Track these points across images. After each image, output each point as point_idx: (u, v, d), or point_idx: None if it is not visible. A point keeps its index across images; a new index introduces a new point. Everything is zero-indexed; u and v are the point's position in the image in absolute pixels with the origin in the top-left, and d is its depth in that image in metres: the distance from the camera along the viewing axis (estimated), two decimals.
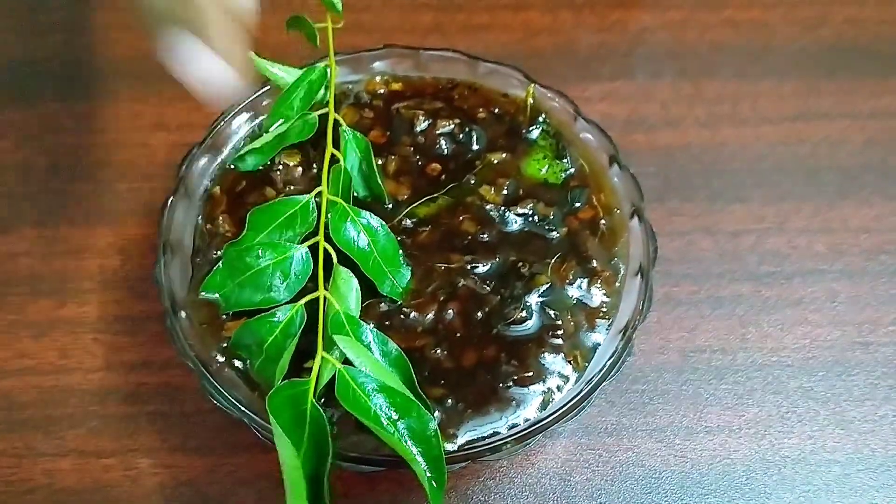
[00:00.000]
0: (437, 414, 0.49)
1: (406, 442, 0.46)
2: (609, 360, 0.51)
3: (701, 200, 0.66)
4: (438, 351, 0.51)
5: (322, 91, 0.58)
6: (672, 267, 0.63)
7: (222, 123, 0.59)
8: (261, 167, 0.57)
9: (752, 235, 0.65)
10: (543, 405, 0.50)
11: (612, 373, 0.50)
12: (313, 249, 0.52)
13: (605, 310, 0.53)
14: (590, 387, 0.50)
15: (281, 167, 0.57)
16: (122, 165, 0.67)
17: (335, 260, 0.51)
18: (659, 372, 0.58)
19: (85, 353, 0.58)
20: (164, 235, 0.54)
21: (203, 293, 0.52)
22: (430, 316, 0.52)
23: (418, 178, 0.57)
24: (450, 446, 0.49)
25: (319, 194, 0.53)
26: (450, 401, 0.50)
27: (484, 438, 0.49)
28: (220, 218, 0.56)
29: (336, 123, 0.57)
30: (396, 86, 0.62)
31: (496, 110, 0.60)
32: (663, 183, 0.67)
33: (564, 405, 0.49)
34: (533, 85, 0.60)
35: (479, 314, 0.52)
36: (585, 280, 0.54)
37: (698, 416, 0.57)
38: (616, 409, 0.57)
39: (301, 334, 0.49)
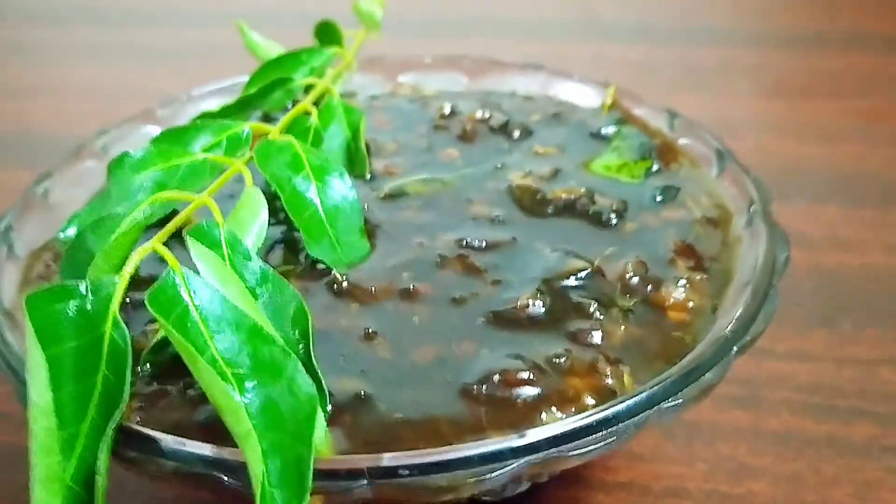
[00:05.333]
0: (331, 409, 0.26)
1: (251, 420, 0.24)
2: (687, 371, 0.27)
3: (887, 327, 0.43)
4: (372, 330, 0.29)
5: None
6: (843, 401, 0.40)
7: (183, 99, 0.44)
8: None
9: None
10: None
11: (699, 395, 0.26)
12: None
13: (688, 320, 0.30)
14: (634, 401, 0.25)
15: None
16: None
17: (249, 182, 0.32)
18: None
19: None
20: None
21: (61, 235, 0.34)
22: (375, 288, 0.30)
23: (424, 163, 0.38)
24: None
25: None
26: (364, 392, 0.27)
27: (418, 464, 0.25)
28: None
29: (326, 92, 0.40)
30: (429, 92, 0.45)
31: (556, 114, 0.42)
32: (829, 303, 0.47)
33: (587, 418, 0.25)
34: (614, 86, 0.42)
35: (458, 294, 0.30)
36: (658, 279, 0.31)
37: None
38: None
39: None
